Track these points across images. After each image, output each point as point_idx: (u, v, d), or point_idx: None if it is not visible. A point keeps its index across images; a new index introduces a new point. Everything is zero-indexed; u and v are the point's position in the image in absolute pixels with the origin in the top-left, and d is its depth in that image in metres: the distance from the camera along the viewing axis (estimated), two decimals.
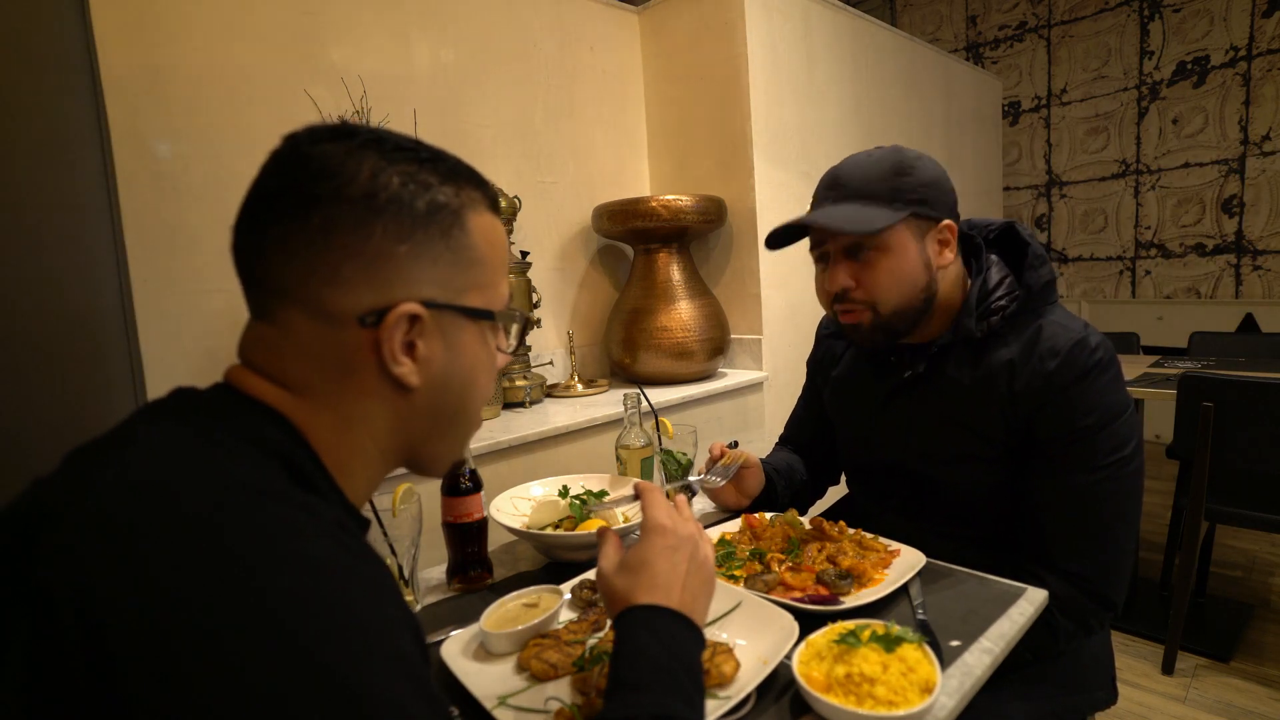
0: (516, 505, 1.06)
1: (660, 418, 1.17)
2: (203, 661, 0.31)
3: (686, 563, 0.58)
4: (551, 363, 2.05)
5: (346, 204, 0.43)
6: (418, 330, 0.46)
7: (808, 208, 0.96)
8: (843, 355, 1.13)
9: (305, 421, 0.45)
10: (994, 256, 0.96)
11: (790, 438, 1.27)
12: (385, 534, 0.79)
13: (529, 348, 1.87)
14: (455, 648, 0.72)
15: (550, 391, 1.92)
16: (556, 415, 1.65)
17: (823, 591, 0.77)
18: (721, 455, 1.04)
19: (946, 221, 0.91)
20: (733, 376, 2.06)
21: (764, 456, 1.16)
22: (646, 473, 1.15)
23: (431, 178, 0.47)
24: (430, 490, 1.21)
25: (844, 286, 0.91)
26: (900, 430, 1.01)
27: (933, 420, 0.97)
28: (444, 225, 0.47)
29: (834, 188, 0.92)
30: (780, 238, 0.98)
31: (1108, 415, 0.85)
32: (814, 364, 1.22)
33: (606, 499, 1.04)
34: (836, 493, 1.27)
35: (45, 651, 0.31)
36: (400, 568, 0.81)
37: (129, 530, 0.34)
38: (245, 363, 0.47)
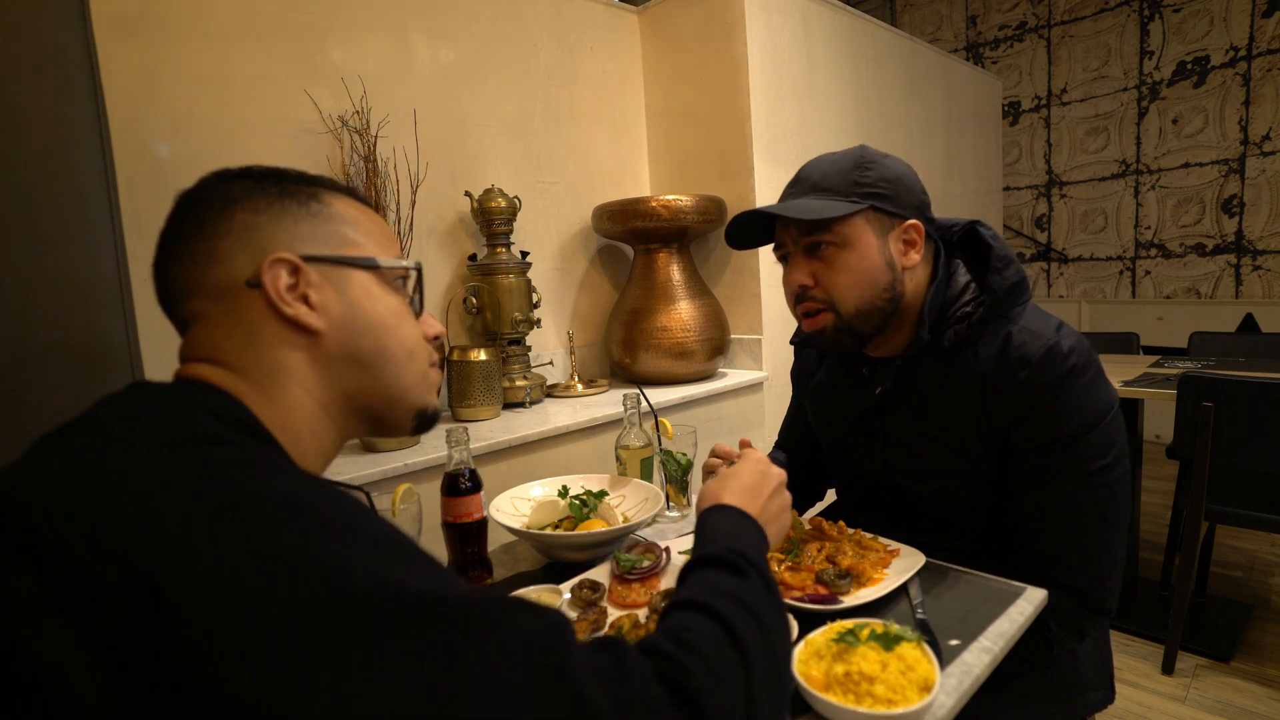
0: (516, 505, 1.06)
1: (660, 418, 1.17)
2: (191, 579, 0.33)
3: (773, 488, 0.69)
4: (551, 363, 2.05)
5: (206, 204, 0.52)
6: (304, 281, 0.52)
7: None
8: (818, 368, 1.12)
9: (241, 389, 0.49)
10: (958, 260, 0.93)
11: (783, 444, 1.27)
12: None
13: (529, 347, 1.87)
14: None
15: (550, 391, 1.93)
16: (556, 415, 1.65)
17: (822, 591, 0.77)
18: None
19: (912, 221, 0.88)
20: (733, 376, 2.06)
21: None
22: (646, 473, 1.15)
23: (282, 180, 0.55)
24: (430, 490, 1.21)
25: (801, 284, 0.89)
26: (877, 446, 1.00)
27: (908, 436, 0.95)
28: (300, 198, 0.54)
29: (795, 184, 0.92)
30: (743, 237, 0.96)
31: (1087, 422, 0.83)
32: (794, 375, 1.22)
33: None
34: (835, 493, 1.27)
35: (74, 588, 0.32)
36: None
37: (111, 472, 0.37)
38: (183, 360, 0.53)
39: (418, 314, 0.59)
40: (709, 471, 0.98)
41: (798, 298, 0.91)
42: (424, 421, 0.60)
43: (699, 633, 0.46)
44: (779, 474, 0.71)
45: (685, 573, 0.55)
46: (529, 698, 0.35)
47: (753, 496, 0.66)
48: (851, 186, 0.87)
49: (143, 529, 0.34)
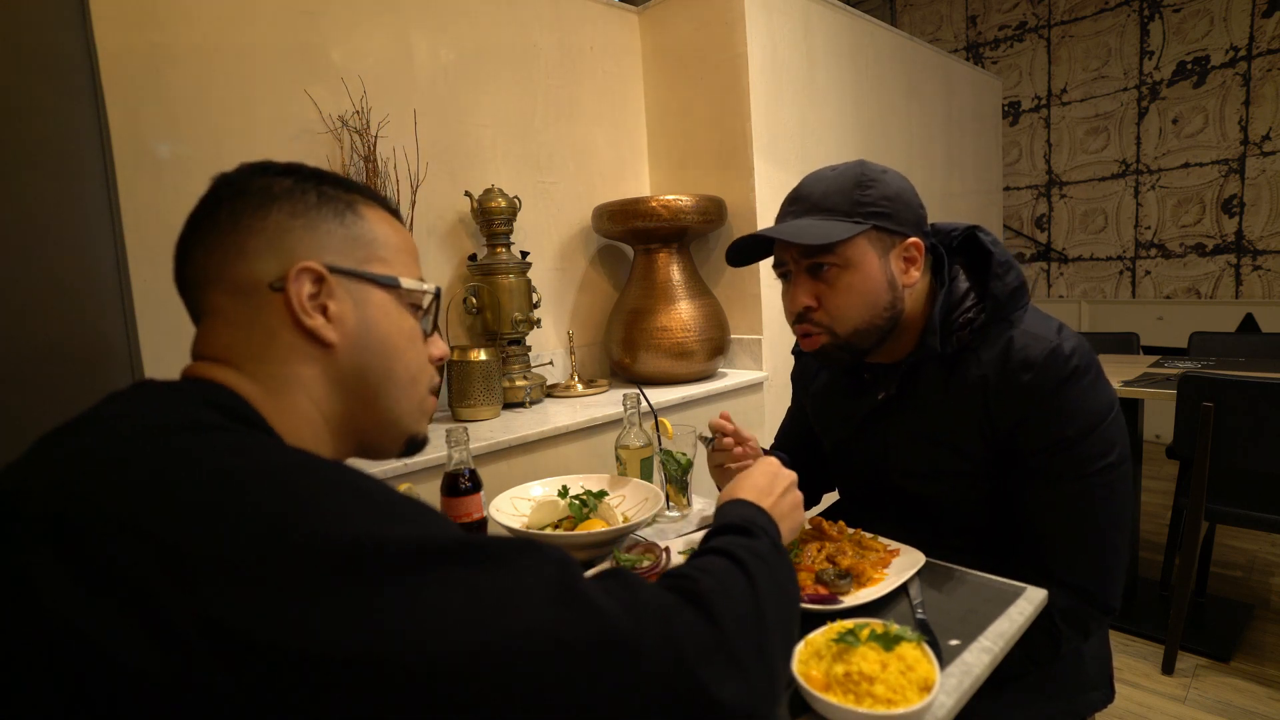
0: (516, 505, 1.06)
1: (660, 418, 1.17)
2: (202, 550, 0.33)
3: (784, 487, 0.71)
4: (551, 363, 2.05)
5: (245, 196, 0.52)
6: (326, 292, 0.52)
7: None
8: (819, 372, 1.12)
9: (249, 391, 0.49)
10: (959, 267, 0.93)
11: (780, 448, 1.26)
12: None
13: (529, 347, 1.87)
14: None
15: (550, 391, 1.92)
16: (556, 415, 1.65)
17: (822, 591, 0.77)
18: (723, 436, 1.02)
19: (913, 239, 0.88)
20: (733, 376, 2.06)
21: None
22: (646, 473, 1.15)
23: (321, 183, 0.55)
24: (430, 490, 1.21)
25: (805, 305, 0.89)
26: (879, 450, 1.00)
27: (910, 440, 0.96)
28: (337, 208, 0.54)
29: (795, 203, 0.91)
30: (743, 254, 0.96)
31: (1090, 422, 0.84)
32: (795, 379, 1.22)
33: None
34: (834, 494, 1.27)
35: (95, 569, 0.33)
36: None
37: (117, 458, 0.37)
38: (196, 357, 0.53)
39: (428, 336, 0.60)
40: (716, 449, 0.99)
41: (799, 317, 0.91)
42: (412, 447, 0.61)
43: (708, 562, 0.50)
44: (790, 475, 0.73)
45: (701, 542, 0.58)
46: (542, 616, 0.37)
47: (764, 494, 0.69)
48: (854, 206, 0.86)
49: (155, 502, 0.35)
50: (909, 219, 0.89)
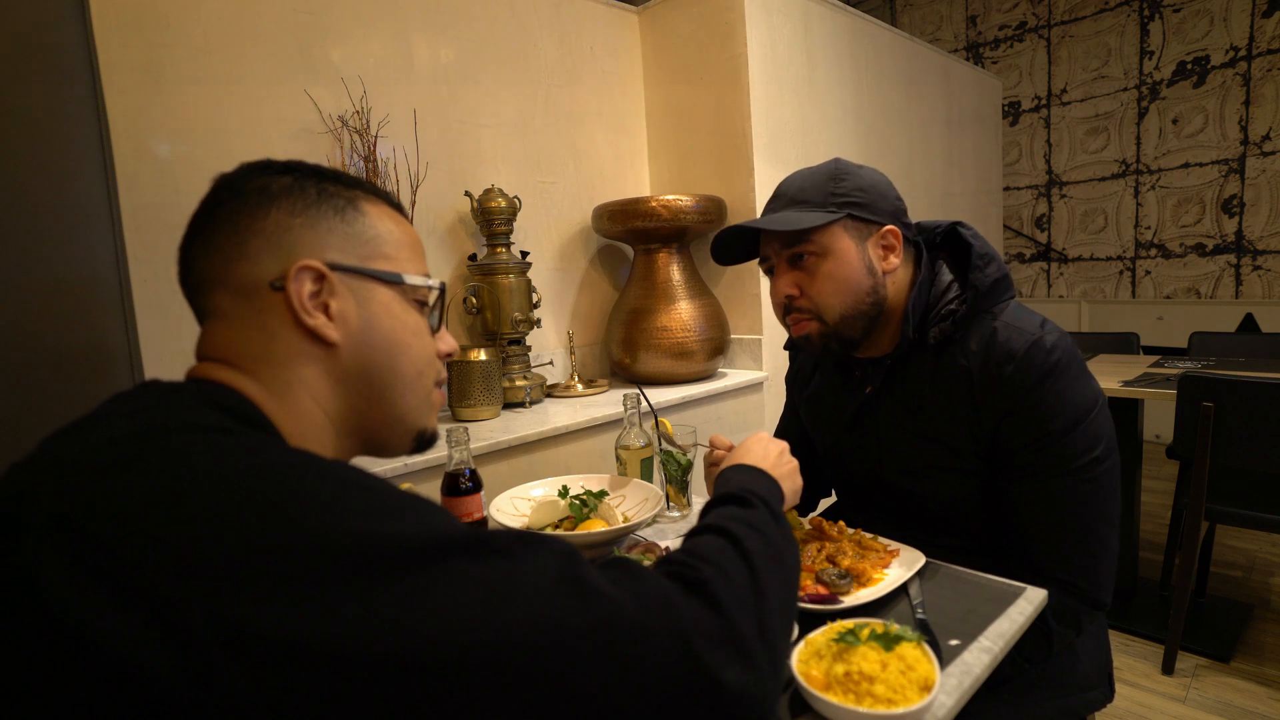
0: (516, 505, 1.06)
1: (660, 418, 1.17)
2: (216, 550, 0.34)
3: (779, 451, 0.76)
4: (551, 363, 2.05)
5: (243, 197, 0.52)
6: (328, 290, 0.51)
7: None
8: (813, 373, 1.13)
9: (253, 392, 0.49)
10: (941, 261, 0.95)
11: None
12: None
13: (529, 347, 1.87)
14: None
15: (550, 391, 1.92)
16: (556, 415, 1.65)
17: (822, 591, 0.77)
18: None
19: (889, 227, 0.91)
20: (733, 376, 2.06)
21: None
22: (646, 473, 1.15)
23: (322, 180, 0.54)
24: (430, 490, 1.21)
25: (787, 294, 0.92)
26: (871, 445, 1.01)
27: (900, 434, 0.96)
28: (337, 205, 0.54)
29: (774, 200, 0.95)
30: (727, 250, 0.99)
31: (1074, 417, 0.85)
32: (790, 380, 1.23)
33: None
34: (830, 499, 1.27)
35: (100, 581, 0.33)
36: None
37: (125, 458, 0.38)
38: (200, 358, 0.53)
39: (435, 331, 0.60)
40: (711, 464, 0.98)
41: (785, 308, 0.94)
42: (422, 443, 0.60)
43: (705, 544, 0.51)
44: (782, 442, 0.78)
45: (700, 515, 0.59)
46: (548, 605, 0.37)
47: (761, 459, 0.72)
48: (828, 197, 0.90)
49: (159, 502, 0.35)
50: (884, 209, 0.91)
